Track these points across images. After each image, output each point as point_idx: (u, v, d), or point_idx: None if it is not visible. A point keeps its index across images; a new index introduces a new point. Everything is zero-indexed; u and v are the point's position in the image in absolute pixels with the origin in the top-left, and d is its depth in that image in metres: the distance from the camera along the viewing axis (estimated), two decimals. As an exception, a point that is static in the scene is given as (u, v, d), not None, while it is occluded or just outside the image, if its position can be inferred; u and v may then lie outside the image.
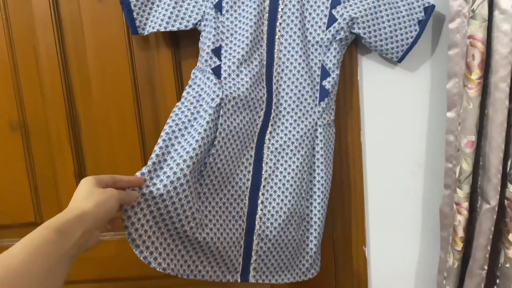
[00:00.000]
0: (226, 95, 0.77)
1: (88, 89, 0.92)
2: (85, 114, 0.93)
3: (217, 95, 0.77)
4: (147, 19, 0.83)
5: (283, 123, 0.84)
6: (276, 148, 0.83)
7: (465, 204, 0.79)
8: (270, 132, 0.83)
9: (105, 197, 0.59)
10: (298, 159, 0.82)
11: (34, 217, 0.97)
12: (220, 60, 0.80)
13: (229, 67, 0.80)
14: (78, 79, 0.92)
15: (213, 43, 0.81)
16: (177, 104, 0.79)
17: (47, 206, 0.97)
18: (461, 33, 0.81)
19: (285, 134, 0.83)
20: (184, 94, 0.80)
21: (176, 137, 0.75)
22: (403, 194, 0.96)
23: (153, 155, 0.72)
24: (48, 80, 0.92)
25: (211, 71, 0.79)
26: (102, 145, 0.94)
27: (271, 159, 0.83)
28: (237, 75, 0.80)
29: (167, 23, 0.82)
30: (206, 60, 0.81)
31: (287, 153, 0.83)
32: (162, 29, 0.82)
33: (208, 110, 0.76)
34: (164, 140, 0.74)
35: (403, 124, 0.93)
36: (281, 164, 0.83)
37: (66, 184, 0.95)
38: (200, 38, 0.83)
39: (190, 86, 0.81)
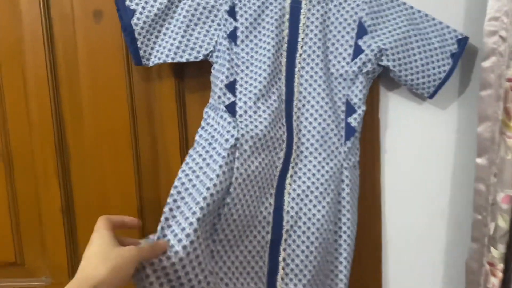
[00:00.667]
0: (242, 135, 0.68)
1: (80, 117, 0.83)
2: (75, 145, 0.84)
3: (232, 135, 0.68)
4: (152, 48, 0.75)
5: (305, 165, 0.75)
6: (298, 195, 0.74)
7: (501, 266, 0.71)
8: (291, 176, 0.74)
9: (123, 261, 0.51)
10: (323, 207, 0.73)
11: (14, 257, 0.87)
12: (235, 96, 0.72)
13: (245, 103, 0.71)
14: (69, 106, 0.83)
15: (226, 77, 0.72)
16: (189, 151, 0.71)
17: (30, 245, 0.87)
18: (495, 73, 0.73)
19: (308, 178, 0.74)
20: (196, 137, 0.72)
21: (186, 189, 0.66)
22: (424, 243, 0.87)
23: (165, 209, 0.64)
24: (36, 106, 0.83)
25: (224, 108, 0.71)
26: (93, 180, 0.85)
27: (292, 207, 0.73)
28: (254, 112, 0.71)
29: (175, 53, 0.74)
30: (219, 97, 0.72)
31: (310, 200, 0.73)
32: (170, 60, 0.74)
33: (222, 152, 0.67)
34: (172, 195, 0.66)
35: (426, 167, 0.85)
36: (305, 213, 0.73)
37: (51, 221, 0.86)
38: (212, 71, 0.75)
39: (203, 127, 0.73)
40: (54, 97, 0.83)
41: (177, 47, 0.74)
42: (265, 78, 0.72)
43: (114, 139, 0.83)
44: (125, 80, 0.82)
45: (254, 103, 0.71)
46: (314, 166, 0.74)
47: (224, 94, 0.72)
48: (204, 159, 0.69)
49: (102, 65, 0.82)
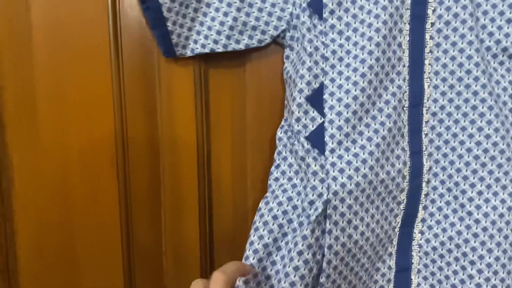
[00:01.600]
0: (336, 193, 0.46)
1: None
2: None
3: (320, 195, 0.47)
4: (191, 29, 0.50)
5: (448, 203, 0.51)
6: (434, 248, 0.51)
7: None
8: (423, 221, 0.51)
9: None
10: (489, 265, 0.49)
11: None
12: (323, 115, 0.47)
13: (339, 128, 0.47)
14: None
15: (308, 83, 0.47)
16: (254, 221, 0.49)
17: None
18: None
19: (461, 219, 0.50)
20: (270, 180, 0.51)
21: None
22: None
23: None
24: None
25: (306, 141, 0.48)
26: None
27: (426, 266, 0.51)
28: (353, 142, 0.47)
29: (228, 37, 0.50)
30: (298, 119, 0.48)
31: (464, 254, 0.49)
32: (220, 49, 0.50)
33: (305, 224, 0.47)
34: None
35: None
36: (449, 275, 0.50)
37: None
38: (285, 65, 0.51)
39: (278, 166, 0.51)
40: None
41: (231, 27, 0.49)
42: (369, 80, 0.46)
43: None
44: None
45: (354, 126, 0.47)
46: (471, 200, 0.49)
47: (306, 112, 0.48)
48: (280, 226, 0.49)
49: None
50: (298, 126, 0.48)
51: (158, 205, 0.55)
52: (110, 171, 0.53)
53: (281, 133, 0.51)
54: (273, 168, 0.51)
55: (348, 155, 0.47)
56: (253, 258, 0.47)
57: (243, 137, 0.55)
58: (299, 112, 0.47)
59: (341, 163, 0.46)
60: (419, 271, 0.52)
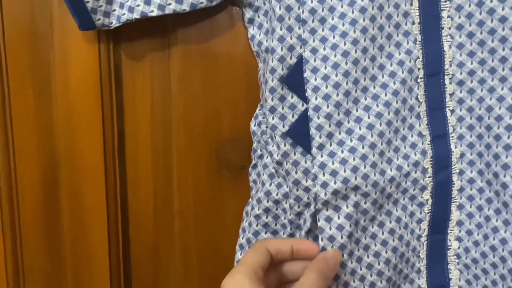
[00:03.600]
0: (326, 202, 0.36)
1: None
2: None
3: (307, 205, 0.38)
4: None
5: (489, 206, 0.38)
6: (481, 269, 0.39)
7: None
8: (460, 224, 0.39)
9: None
10: None
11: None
12: (305, 101, 0.36)
13: (328, 116, 0.36)
14: None
15: (281, 58, 0.35)
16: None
17: None
18: None
19: (498, 236, 0.38)
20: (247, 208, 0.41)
21: None
22: None
23: None
24: None
25: (282, 141, 0.36)
26: None
27: (469, 282, 0.39)
28: (348, 132, 0.36)
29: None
30: (273, 108, 0.36)
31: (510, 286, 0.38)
32: (155, 11, 0.37)
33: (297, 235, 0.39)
34: None
35: None
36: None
37: None
38: (252, 41, 0.39)
39: (253, 179, 0.41)
40: None
41: None
42: (364, 48, 0.35)
43: None
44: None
45: (347, 112, 0.36)
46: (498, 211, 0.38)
47: (282, 99, 0.36)
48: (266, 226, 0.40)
49: None
50: (273, 118, 0.36)
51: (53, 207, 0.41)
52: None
53: (254, 125, 0.39)
54: (250, 168, 0.41)
55: (342, 151, 0.36)
56: None
57: (166, 118, 0.41)
58: (273, 99, 0.36)
59: (333, 163, 0.35)
60: None
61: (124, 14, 0.37)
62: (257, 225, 0.39)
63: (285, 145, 0.36)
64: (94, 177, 0.41)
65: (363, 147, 0.35)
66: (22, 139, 0.42)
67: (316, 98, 0.35)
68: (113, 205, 0.42)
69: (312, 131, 0.35)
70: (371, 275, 0.37)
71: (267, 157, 0.39)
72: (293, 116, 0.36)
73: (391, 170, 0.36)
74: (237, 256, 0.41)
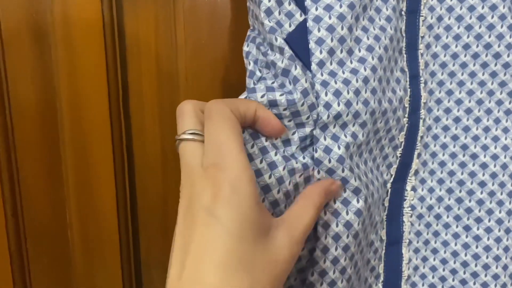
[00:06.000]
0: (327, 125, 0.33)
1: None
2: None
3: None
4: None
5: (443, 151, 0.38)
6: (434, 215, 0.39)
7: None
8: (414, 189, 0.39)
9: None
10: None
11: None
12: (304, 11, 0.32)
13: (330, 29, 0.31)
14: None
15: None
16: None
17: None
18: None
19: (455, 178, 0.38)
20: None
21: None
22: None
23: None
24: None
25: (284, 43, 0.32)
26: None
27: (416, 250, 0.39)
28: (349, 52, 0.33)
29: None
30: (268, 10, 0.32)
31: (466, 225, 0.38)
32: None
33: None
34: None
35: None
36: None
37: None
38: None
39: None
40: None
41: None
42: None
43: None
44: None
45: (350, 29, 0.32)
46: (476, 139, 0.38)
47: (279, 3, 0.32)
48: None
49: None
50: (270, 21, 0.32)
51: (56, 163, 0.39)
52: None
53: (247, 45, 0.35)
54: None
55: (343, 72, 0.32)
56: None
57: (173, 69, 0.40)
58: (269, 0, 0.31)
59: (335, 83, 0.32)
60: (410, 242, 0.38)
61: None
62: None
63: (287, 46, 0.31)
64: (100, 131, 0.40)
65: (365, 70, 0.32)
66: (21, 95, 0.40)
67: (316, 9, 0.31)
68: (120, 158, 0.41)
69: (312, 45, 0.31)
70: (347, 213, 0.32)
71: (267, 72, 0.33)
72: (290, 25, 0.32)
73: (385, 102, 0.34)
74: None
